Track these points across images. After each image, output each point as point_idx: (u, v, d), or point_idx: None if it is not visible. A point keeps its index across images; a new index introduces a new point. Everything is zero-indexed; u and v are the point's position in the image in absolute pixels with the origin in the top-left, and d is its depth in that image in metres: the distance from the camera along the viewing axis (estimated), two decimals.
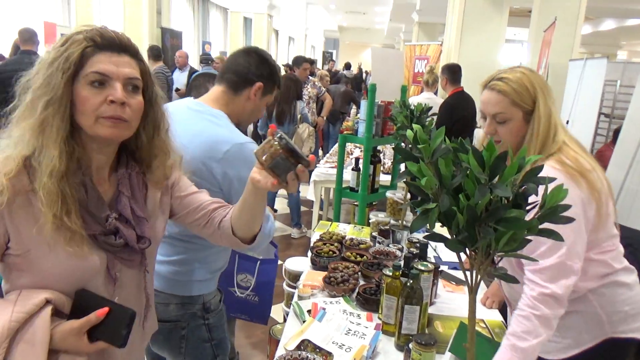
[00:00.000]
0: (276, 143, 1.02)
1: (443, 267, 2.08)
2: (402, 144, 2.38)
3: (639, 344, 1.45)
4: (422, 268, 1.54)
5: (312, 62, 8.11)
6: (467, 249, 0.84)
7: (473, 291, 0.86)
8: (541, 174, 1.25)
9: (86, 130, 1.01)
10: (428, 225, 0.78)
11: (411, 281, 1.44)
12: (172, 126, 1.65)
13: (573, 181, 1.31)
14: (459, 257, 0.85)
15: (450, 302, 1.81)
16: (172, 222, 1.54)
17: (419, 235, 2.26)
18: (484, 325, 1.64)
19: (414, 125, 0.84)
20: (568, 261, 1.28)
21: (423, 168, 0.79)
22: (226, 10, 14.58)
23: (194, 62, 10.68)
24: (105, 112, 0.99)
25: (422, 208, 0.81)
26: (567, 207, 0.78)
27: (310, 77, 5.71)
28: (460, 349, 1.42)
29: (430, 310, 1.70)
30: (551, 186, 1.21)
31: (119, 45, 1.03)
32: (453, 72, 4.32)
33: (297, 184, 1.08)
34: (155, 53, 6.61)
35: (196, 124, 1.57)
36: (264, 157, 1.04)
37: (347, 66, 13.15)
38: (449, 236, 0.85)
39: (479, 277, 0.85)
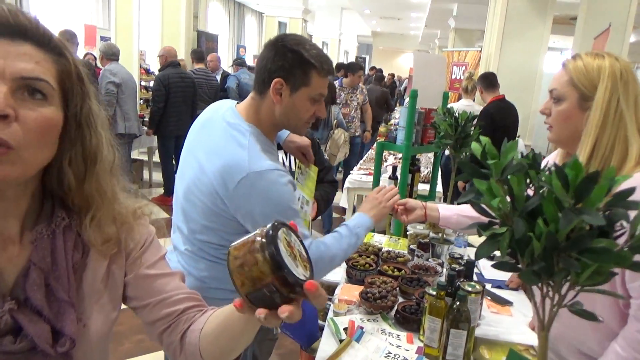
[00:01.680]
0: (259, 256, 0.61)
1: (486, 285, 1.96)
2: (444, 153, 2.27)
3: None
4: (470, 289, 1.43)
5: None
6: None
7: (545, 328, 0.75)
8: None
9: None
10: (499, 251, 0.68)
11: (458, 303, 1.34)
12: (201, 137, 1.46)
13: None
14: (530, 290, 0.75)
15: (496, 325, 1.69)
16: (199, 231, 1.41)
17: (461, 250, 2.14)
18: (535, 353, 1.51)
19: (482, 138, 0.74)
20: None
21: (494, 187, 0.69)
22: (261, 14, 14.67)
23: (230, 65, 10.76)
24: None
25: (490, 232, 0.71)
26: None
27: (360, 85, 5.67)
28: None
29: (475, 333, 1.58)
30: None
31: (14, 28, 0.66)
32: (487, 80, 4.19)
33: (276, 321, 0.65)
34: (198, 56, 6.58)
35: (220, 139, 1.37)
36: (236, 257, 0.63)
37: (380, 72, 12.84)
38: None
39: (552, 312, 0.74)
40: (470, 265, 1.58)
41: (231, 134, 1.37)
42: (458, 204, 1.08)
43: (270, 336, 2.22)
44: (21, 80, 0.65)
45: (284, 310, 0.63)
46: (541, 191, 0.72)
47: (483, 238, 0.74)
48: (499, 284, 2.01)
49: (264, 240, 0.62)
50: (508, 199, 0.72)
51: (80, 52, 6.63)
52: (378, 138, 6.03)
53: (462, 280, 1.56)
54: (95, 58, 6.43)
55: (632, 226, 0.68)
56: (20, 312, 0.68)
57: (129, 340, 2.92)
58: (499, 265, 0.71)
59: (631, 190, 0.69)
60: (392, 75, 14.06)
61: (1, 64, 0.64)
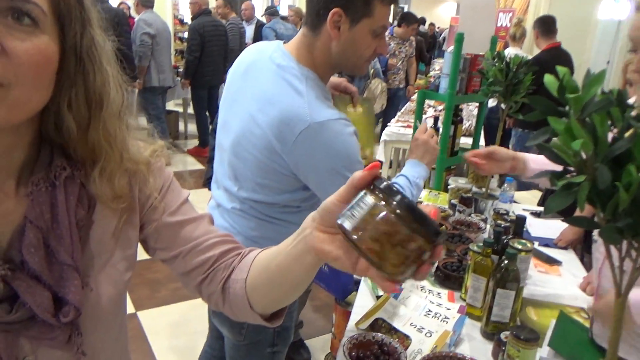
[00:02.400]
0: (390, 214, 0.51)
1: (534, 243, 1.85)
2: (493, 104, 2.10)
3: None
4: (520, 247, 1.32)
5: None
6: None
7: (622, 295, 0.64)
8: None
9: None
10: (577, 204, 0.57)
11: (506, 261, 1.24)
12: (247, 83, 1.30)
13: None
14: (608, 250, 0.64)
15: (543, 285, 1.58)
16: (251, 189, 1.30)
17: (506, 206, 2.02)
18: (586, 316, 1.41)
19: (559, 68, 0.62)
20: None
21: (575, 126, 0.57)
22: None
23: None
24: None
25: (566, 182, 0.59)
26: None
27: (411, 37, 5.47)
28: (561, 343, 1.21)
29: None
30: None
31: None
32: (545, 24, 3.87)
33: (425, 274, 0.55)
34: (232, 4, 6.31)
35: (272, 85, 1.22)
36: (358, 234, 0.52)
37: (422, 21, 11.81)
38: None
39: (634, 276, 0.63)
40: (521, 221, 1.46)
41: (285, 79, 1.21)
42: (526, 146, 0.93)
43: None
44: (4, 1, 0.52)
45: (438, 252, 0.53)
46: (628, 134, 0.60)
47: (528, 194, 0.63)
48: (546, 242, 1.89)
49: (394, 203, 0.51)
50: None
51: (114, 1, 6.56)
52: (415, 91, 5.83)
53: (509, 237, 1.46)
54: (129, 8, 6.34)
55: None
56: (15, 277, 0.59)
57: (165, 287, 2.96)
58: (575, 221, 0.60)
59: None
60: (433, 25, 13.32)
61: None
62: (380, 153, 4.01)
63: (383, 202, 0.52)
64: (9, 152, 0.62)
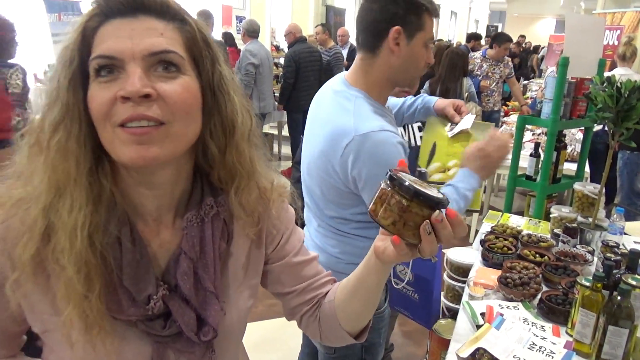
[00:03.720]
0: (388, 190, 0.66)
1: None
2: (598, 127, 2.01)
3: None
4: (635, 283, 1.26)
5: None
6: None
7: None
8: None
9: (109, 153, 0.64)
10: None
11: (619, 298, 1.19)
12: (316, 112, 1.46)
13: None
14: None
15: None
16: (323, 206, 1.41)
17: (616, 238, 1.91)
18: None
19: None
20: None
21: None
22: None
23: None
24: (118, 117, 0.61)
25: None
26: None
27: (506, 57, 5.34)
28: None
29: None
30: None
31: (132, 3, 0.63)
32: None
33: (435, 245, 0.66)
34: (330, 32, 6.47)
35: (327, 109, 1.37)
36: (379, 215, 0.67)
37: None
38: None
39: None
40: (635, 256, 1.39)
41: (337, 101, 1.35)
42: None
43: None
44: (151, 56, 0.62)
45: (437, 219, 0.64)
46: None
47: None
48: None
49: (388, 182, 0.68)
50: None
51: (217, 31, 7.04)
52: (510, 114, 5.62)
53: (622, 271, 1.39)
54: (228, 36, 6.74)
55: None
56: (170, 298, 0.68)
57: (262, 303, 3.09)
58: None
59: None
60: (521, 40, 12.44)
61: (129, 45, 0.61)
62: None
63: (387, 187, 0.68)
64: (172, 187, 0.72)
